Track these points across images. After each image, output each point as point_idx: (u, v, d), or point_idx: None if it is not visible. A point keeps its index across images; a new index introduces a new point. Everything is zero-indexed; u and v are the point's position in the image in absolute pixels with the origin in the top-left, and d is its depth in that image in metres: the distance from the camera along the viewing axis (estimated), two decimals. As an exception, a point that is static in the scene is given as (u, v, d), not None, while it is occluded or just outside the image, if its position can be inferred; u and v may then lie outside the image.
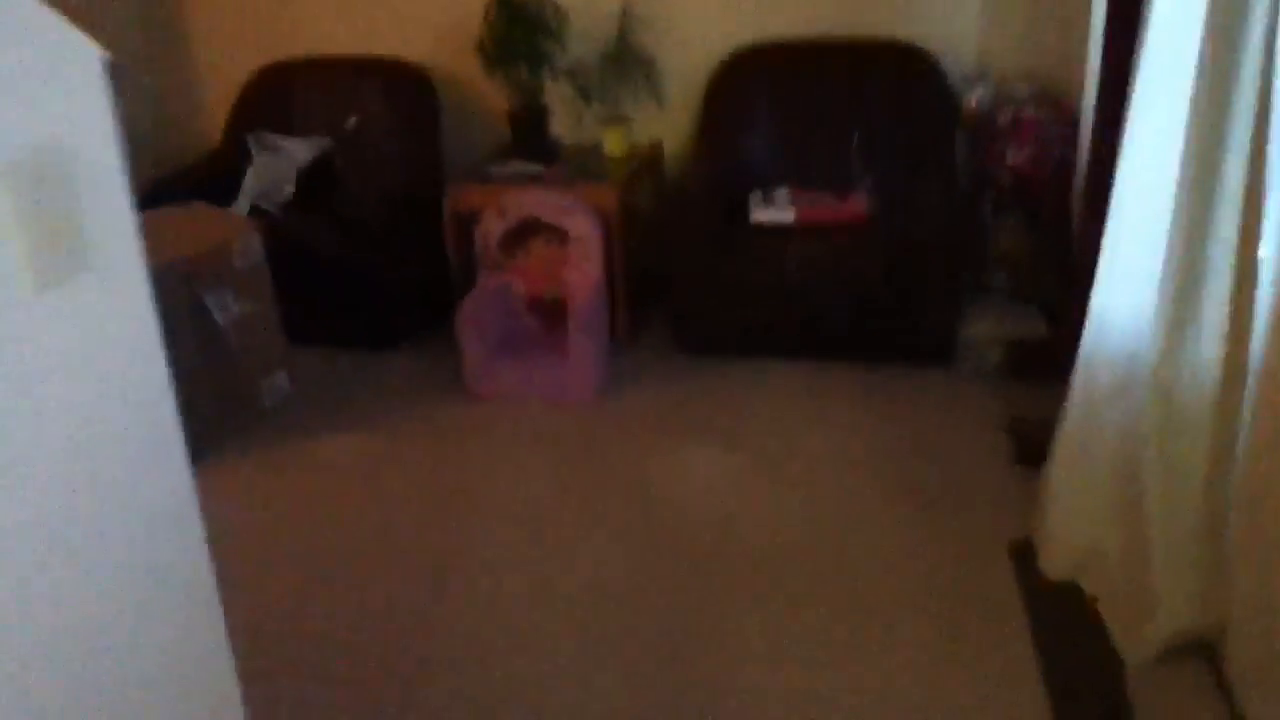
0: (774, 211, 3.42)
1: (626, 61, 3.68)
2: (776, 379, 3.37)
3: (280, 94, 4.02)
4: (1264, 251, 1.87)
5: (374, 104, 3.92)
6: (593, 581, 2.48)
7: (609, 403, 3.30)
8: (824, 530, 2.62)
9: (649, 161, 3.79)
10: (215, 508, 2.95)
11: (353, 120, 3.90)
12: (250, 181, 3.76)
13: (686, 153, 3.85)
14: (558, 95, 3.76)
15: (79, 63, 1.08)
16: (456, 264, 3.62)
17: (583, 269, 3.41)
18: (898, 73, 3.58)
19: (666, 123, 3.89)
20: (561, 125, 3.87)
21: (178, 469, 1.28)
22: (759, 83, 3.68)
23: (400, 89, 3.93)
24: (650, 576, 2.49)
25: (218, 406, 3.14)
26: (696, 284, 3.41)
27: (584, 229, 3.37)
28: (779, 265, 3.30)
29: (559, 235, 3.41)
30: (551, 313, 3.51)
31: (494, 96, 3.83)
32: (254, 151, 3.88)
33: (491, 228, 3.43)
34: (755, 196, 3.50)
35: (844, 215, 3.43)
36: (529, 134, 3.75)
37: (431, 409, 3.32)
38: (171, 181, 3.90)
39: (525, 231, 3.44)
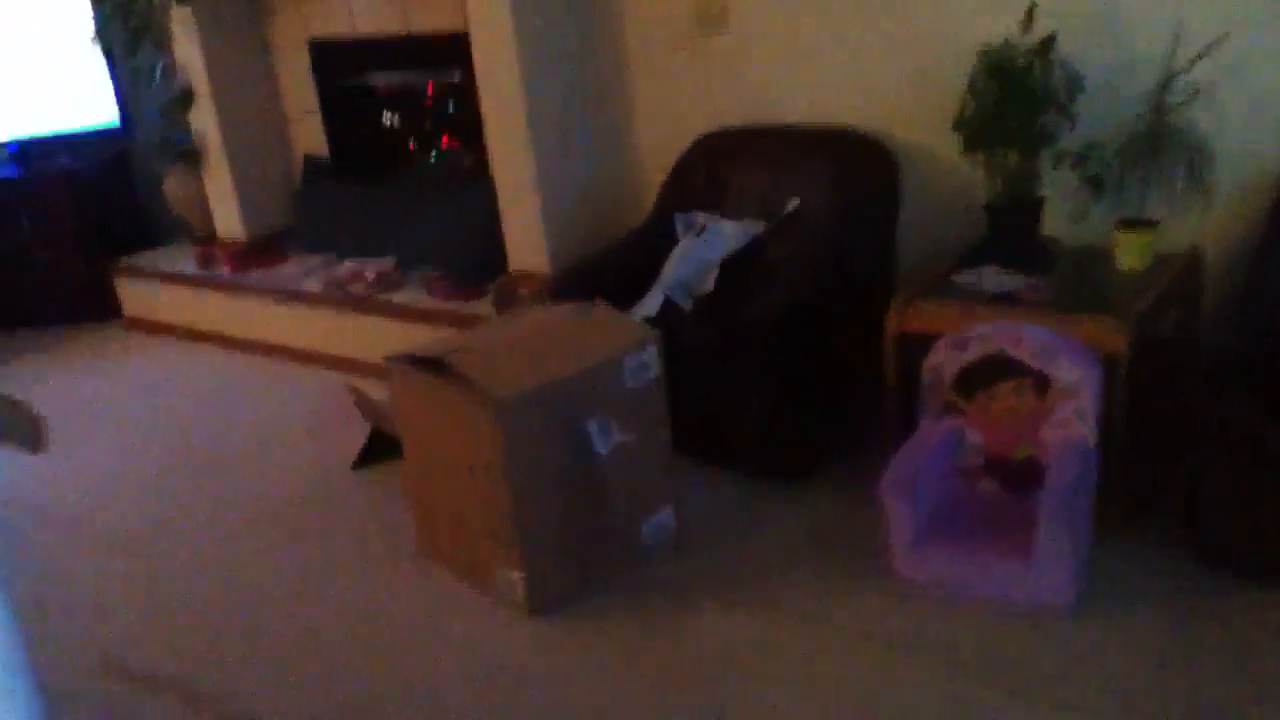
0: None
1: (1165, 143, 2.69)
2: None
3: (716, 167, 3.46)
4: None
5: (820, 183, 3.23)
6: None
7: (1082, 618, 2.34)
8: None
9: (1180, 281, 2.75)
10: (558, 666, 2.40)
11: (794, 202, 3.25)
12: (669, 269, 3.23)
13: (1237, 274, 2.76)
14: (1056, 184, 2.85)
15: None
16: (893, 397, 2.83)
17: (1068, 429, 2.49)
18: None
19: (1211, 228, 2.82)
20: (1057, 223, 2.95)
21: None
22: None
23: (854, 167, 3.21)
24: None
25: (592, 544, 2.62)
26: (1232, 475, 2.35)
27: (1074, 377, 2.44)
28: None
29: (1038, 379, 2.52)
30: (1016, 478, 2.61)
31: (969, 182, 3.00)
32: (680, 233, 3.36)
33: (944, 362, 2.61)
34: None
35: None
36: (1012, 232, 2.88)
37: (833, 585, 2.54)
38: (593, 263, 3.49)
39: (991, 368, 2.58)
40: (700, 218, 3.37)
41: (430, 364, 2.52)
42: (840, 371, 3.03)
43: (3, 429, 0.78)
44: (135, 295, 5.05)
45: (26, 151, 5.13)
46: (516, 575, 2.54)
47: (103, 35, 4.77)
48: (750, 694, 2.23)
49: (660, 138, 3.78)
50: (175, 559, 3.08)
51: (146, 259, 5.04)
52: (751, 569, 2.66)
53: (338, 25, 4.49)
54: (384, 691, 2.38)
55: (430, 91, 4.55)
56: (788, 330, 2.89)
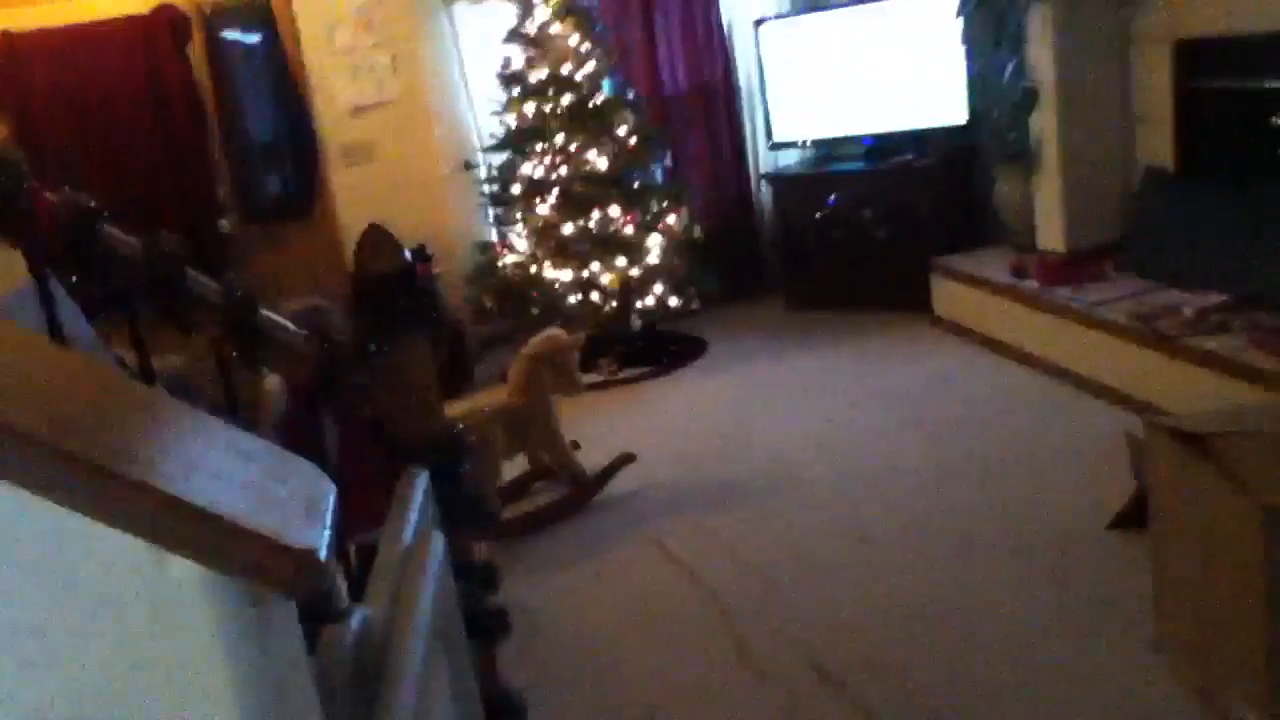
0: None
1: None
2: None
3: None
4: None
5: None
6: None
7: None
8: None
9: None
10: None
11: None
12: None
13: None
14: None
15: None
16: None
17: None
18: None
19: None
20: None
21: None
22: None
23: None
24: None
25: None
26: None
27: None
28: None
29: None
30: None
31: None
32: None
33: None
34: None
35: None
36: None
37: None
38: None
39: None
40: None
41: (1194, 440, 2.06)
42: None
43: (250, 570, 0.69)
44: (945, 293, 5.10)
45: (880, 147, 5.45)
46: (1253, 716, 1.98)
47: (965, 36, 4.84)
48: None
49: None
50: (899, 557, 3.05)
51: (961, 259, 5.02)
52: None
53: (1215, 22, 3.93)
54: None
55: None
56: None
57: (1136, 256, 4.30)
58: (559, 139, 4.89)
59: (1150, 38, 4.28)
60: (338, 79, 5.43)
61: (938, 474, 3.56)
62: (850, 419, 4.18)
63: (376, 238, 1.84)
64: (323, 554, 0.61)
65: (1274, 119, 3.99)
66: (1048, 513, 3.18)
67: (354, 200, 5.37)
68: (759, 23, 5.63)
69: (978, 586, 2.85)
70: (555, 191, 4.91)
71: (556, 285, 4.86)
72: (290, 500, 0.64)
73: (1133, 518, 2.92)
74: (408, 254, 1.91)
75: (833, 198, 5.43)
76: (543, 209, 4.91)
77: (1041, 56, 4.45)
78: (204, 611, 0.59)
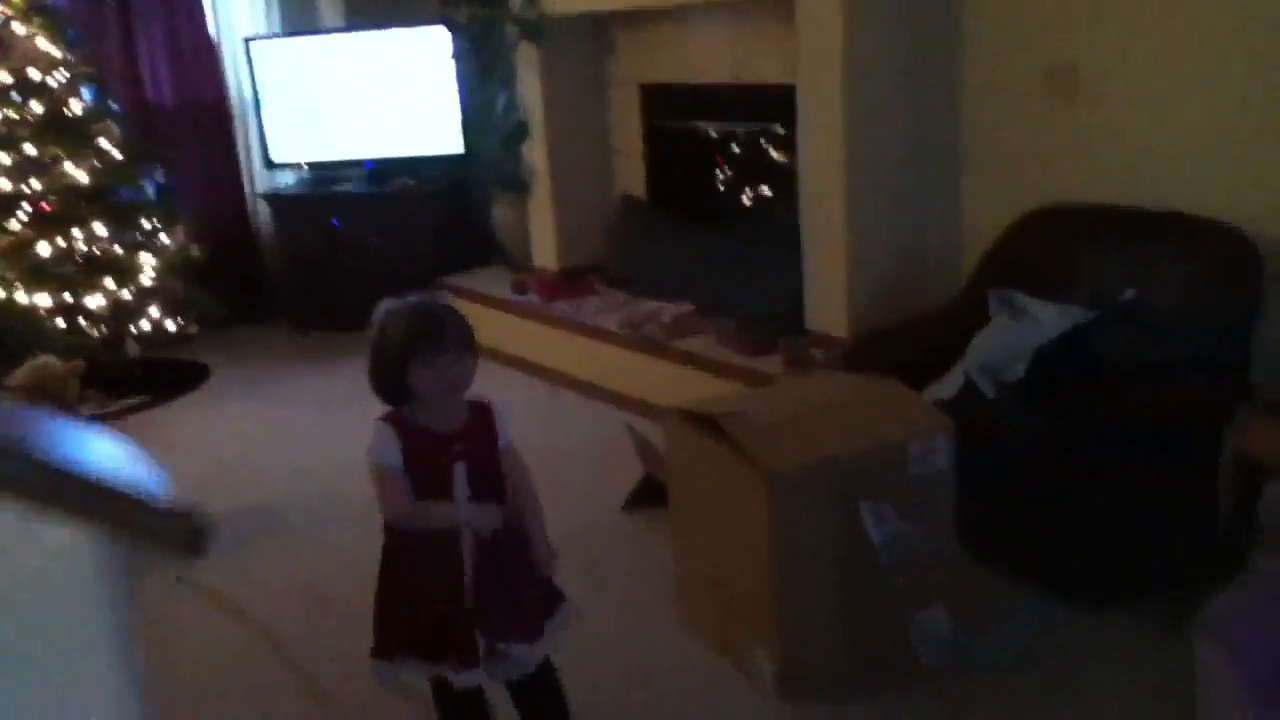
0: None
1: None
2: None
3: (1043, 246, 3.19)
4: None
5: (1166, 277, 2.90)
6: None
7: None
8: None
9: None
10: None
11: (1129, 293, 2.92)
12: (975, 349, 3.00)
13: None
14: None
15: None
16: (1226, 525, 2.45)
17: None
18: None
19: None
20: None
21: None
22: None
23: (1210, 263, 2.85)
24: None
25: (858, 635, 2.43)
26: None
27: None
28: None
29: None
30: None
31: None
32: (993, 311, 3.11)
33: (1297, 498, 2.23)
34: None
35: None
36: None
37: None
38: (894, 333, 3.31)
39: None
40: (1019, 298, 3.11)
41: (704, 422, 2.44)
42: (1180, 486, 2.66)
43: (158, 538, 0.78)
44: (453, 311, 5.32)
45: (382, 171, 5.55)
46: (767, 657, 2.39)
47: (459, 70, 5.10)
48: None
49: (987, 209, 3.53)
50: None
51: (464, 278, 5.31)
52: (1035, 697, 2.38)
53: (670, 72, 4.56)
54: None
55: (753, 142, 4.53)
56: (1121, 436, 2.59)
57: (618, 273, 4.83)
58: (29, 149, 4.41)
59: (620, 81, 4.86)
60: None
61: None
62: (361, 437, 4.23)
63: None
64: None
65: (714, 156, 4.75)
66: (571, 507, 3.48)
67: None
68: (249, 41, 5.49)
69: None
70: (27, 207, 4.41)
71: (34, 312, 4.37)
72: None
73: (643, 499, 3.32)
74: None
75: (336, 220, 5.44)
76: (12, 226, 4.38)
77: (530, 93, 4.86)
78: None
